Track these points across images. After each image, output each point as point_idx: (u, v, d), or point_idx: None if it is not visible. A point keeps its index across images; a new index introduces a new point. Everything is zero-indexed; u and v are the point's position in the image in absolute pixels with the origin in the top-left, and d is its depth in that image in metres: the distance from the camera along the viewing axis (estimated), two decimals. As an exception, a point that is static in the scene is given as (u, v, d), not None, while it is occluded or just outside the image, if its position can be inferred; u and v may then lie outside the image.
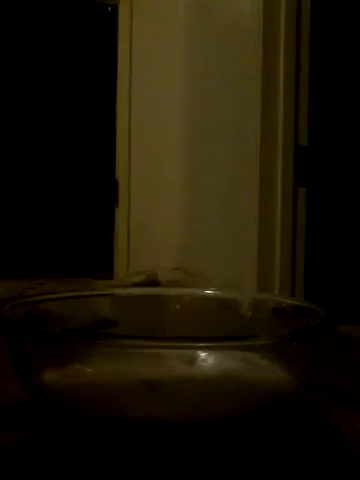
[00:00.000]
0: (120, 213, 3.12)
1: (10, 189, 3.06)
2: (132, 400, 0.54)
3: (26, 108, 3.05)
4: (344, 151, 2.11)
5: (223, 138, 2.47)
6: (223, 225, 2.43)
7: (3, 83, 2.99)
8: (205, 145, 2.69)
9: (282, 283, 2.02)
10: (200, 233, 2.72)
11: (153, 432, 0.53)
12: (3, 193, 3.02)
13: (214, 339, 0.56)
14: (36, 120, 3.07)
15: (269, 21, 2.04)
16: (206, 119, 2.67)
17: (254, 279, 2.03)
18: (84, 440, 0.55)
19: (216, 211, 2.51)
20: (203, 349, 0.57)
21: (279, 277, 2.03)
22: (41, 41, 3.07)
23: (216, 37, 2.56)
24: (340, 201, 2.10)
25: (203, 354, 0.58)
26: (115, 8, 3.12)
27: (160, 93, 3.09)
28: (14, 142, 3.03)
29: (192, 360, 0.57)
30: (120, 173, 3.13)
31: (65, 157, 3.12)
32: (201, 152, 2.76)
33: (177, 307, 0.73)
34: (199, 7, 2.83)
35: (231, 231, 2.34)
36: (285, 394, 0.59)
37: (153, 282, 2.41)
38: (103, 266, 3.01)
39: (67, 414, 0.54)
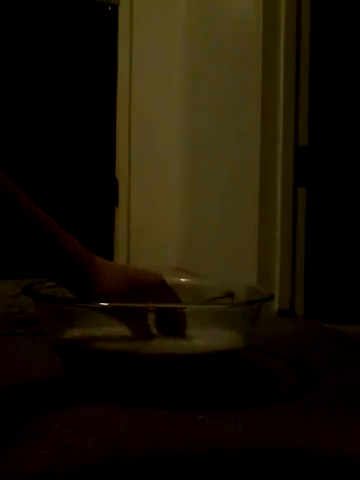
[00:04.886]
0: (120, 213, 3.13)
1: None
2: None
3: (26, 108, 3.05)
4: (344, 151, 2.11)
5: (223, 138, 2.47)
6: (223, 225, 2.43)
7: (2, 83, 2.99)
8: (205, 145, 2.69)
9: (282, 283, 2.02)
10: (200, 233, 2.72)
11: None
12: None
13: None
14: (36, 120, 3.07)
15: (269, 21, 2.05)
16: (206, 119, 2.67)
17: (254, 279, 2.03)
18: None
19: (216, 211, 2.51)
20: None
21: (279, 277, 2.03)
22: (41, 41, 3.07)
23: (216, 37, 2.56)
24: (340, 201, 2.10)
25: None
26: (115, 8, 3.12)
27: (160, 93, 3.09)
28: (14, 141, 3.03)
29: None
30: (120, 173, 3.13)
31: (65, 157, 3.12)
32: (201, 152, 2.76)
33: None
34: (199, 7, 2.83)
35: (231, 231, 2.34)
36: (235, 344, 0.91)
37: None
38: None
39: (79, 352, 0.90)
